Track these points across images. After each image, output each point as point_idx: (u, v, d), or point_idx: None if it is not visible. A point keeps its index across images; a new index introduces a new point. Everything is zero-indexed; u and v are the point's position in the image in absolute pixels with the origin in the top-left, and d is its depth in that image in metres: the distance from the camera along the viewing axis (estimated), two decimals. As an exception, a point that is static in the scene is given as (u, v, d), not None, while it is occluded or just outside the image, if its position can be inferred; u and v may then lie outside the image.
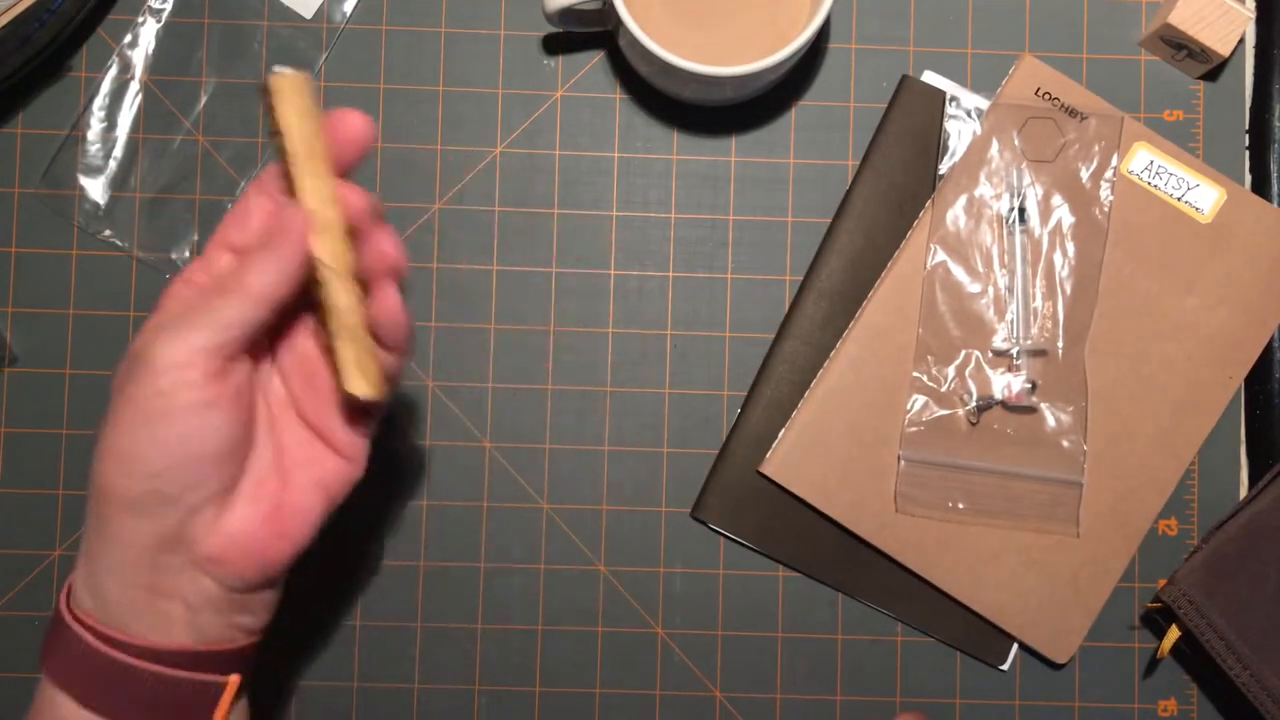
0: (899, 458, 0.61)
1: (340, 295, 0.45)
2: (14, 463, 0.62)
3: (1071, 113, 0.62)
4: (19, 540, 0.62)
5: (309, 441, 0.47)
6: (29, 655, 0.61)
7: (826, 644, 0.62)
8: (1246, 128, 0.64)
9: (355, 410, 0.47)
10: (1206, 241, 0.62)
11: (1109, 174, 0.62)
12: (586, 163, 0.64)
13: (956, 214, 0.62)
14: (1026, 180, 0.62)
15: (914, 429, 0.61)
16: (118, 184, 0.63)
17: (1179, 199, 0.62)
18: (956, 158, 0.62)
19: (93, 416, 0.62)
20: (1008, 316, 0.61)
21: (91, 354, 0.62)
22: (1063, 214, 0.62)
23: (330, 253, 0.44)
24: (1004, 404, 0.61)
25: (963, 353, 0.61)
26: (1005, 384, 0.61)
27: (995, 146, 0.62)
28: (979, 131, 0.62)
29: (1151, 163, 0.62)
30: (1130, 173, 0.62)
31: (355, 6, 0.64)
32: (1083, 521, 0.61)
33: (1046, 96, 0.62)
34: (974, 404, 0.61)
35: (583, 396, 0.63)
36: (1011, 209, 0.61)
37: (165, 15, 0.63)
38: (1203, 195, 0.62)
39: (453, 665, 0.62)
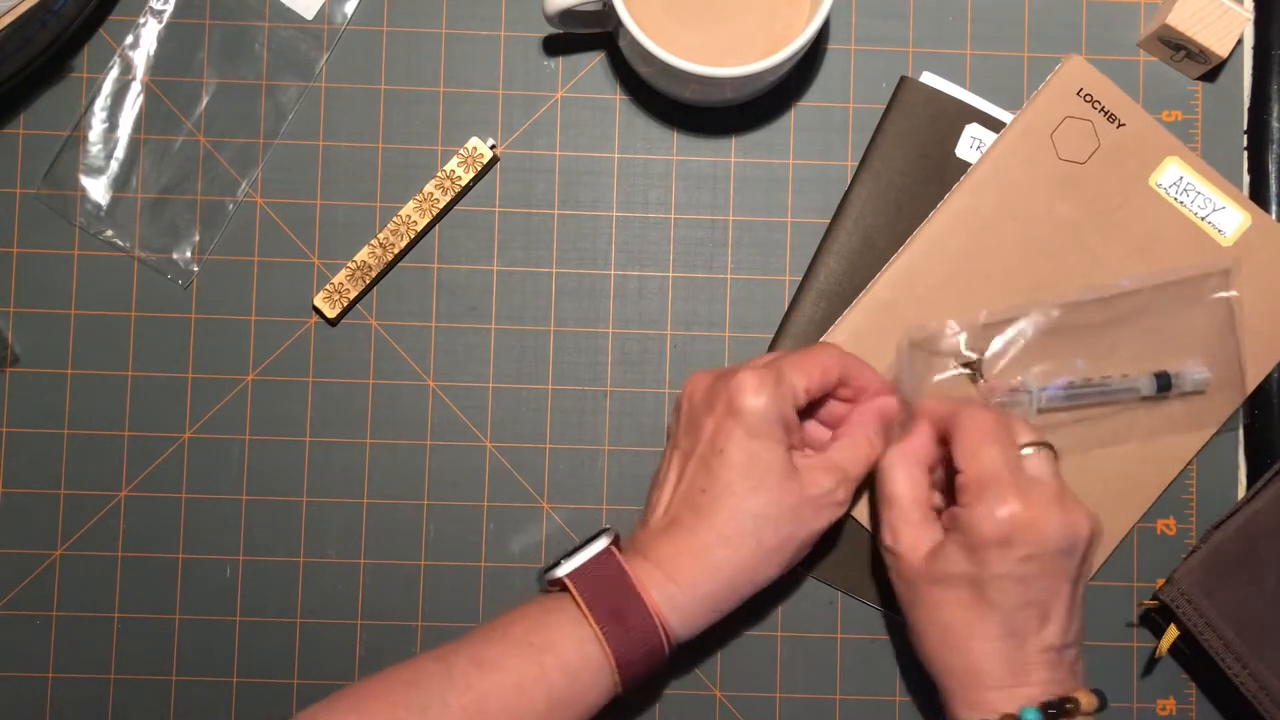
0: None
1: None
2: (14, 463, 0.62)
3: (1110, 118, 0.62)
4: (19, 540, 0.62)
5: None
6: (29, 655, 0.61)
7: (826, 644, 0.62)
8: (1244, 128, 0.64)
9: None
10: (1223, 265, 0.61)
11: (1137, 185, 0.62)
12: (586, 163, 0.64)
13: (980, 199, 0.61)
14: (1054, 179, 0.61)
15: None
16: (119, 184, 0.63)
17: (1203, 219, 0.61)
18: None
19: (94, 417, 0.62)
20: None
21: (92, 354, 0.62)
22: (1086, 217, 0.61)
23: None
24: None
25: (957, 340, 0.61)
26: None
27: (1030, 141, 0.61)
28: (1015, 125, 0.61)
29: (1181, 178, 0.62)
30: (1158, 186, 0.62)
31: (356, 7, 0.64)
32: None
33: (1088, 99, 0.62)
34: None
35: (583, 396, 0.63)
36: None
37: (166, 16, 0.64)
38: (1227, 218, 0.61)
39: (453, 665, 0.62)
